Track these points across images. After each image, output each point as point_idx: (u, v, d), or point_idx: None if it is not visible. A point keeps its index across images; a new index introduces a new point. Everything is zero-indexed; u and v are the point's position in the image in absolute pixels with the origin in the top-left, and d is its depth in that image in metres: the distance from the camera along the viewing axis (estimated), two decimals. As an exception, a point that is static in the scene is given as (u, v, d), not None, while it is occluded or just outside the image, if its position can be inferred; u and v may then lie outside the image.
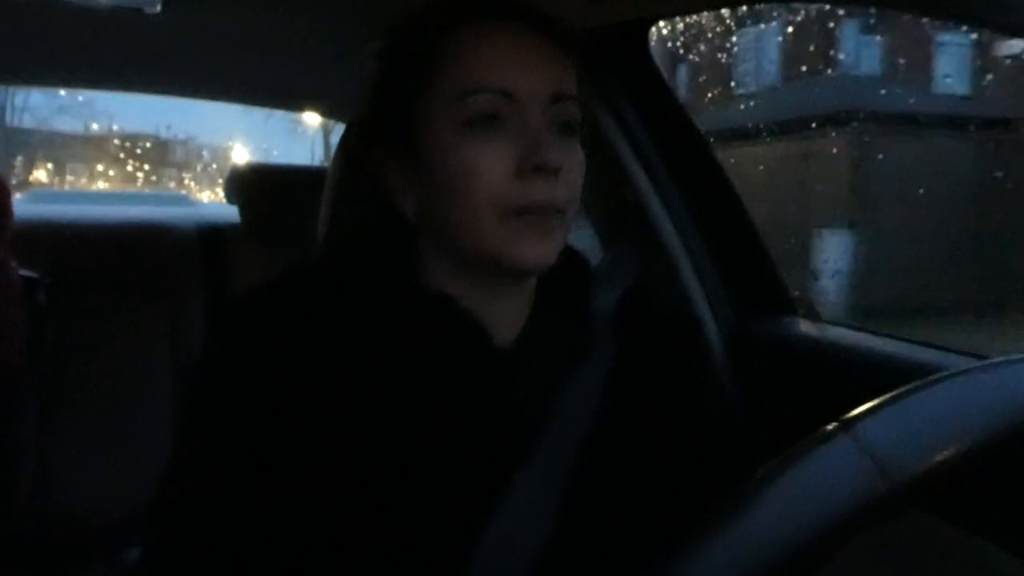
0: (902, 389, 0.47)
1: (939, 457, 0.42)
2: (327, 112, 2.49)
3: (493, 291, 0.75)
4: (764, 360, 1.32)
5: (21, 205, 1.81)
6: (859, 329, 1.24)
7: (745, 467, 0.49)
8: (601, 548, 0.72)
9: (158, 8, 1.30)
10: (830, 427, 0.46)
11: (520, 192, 0.70)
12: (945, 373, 0.48)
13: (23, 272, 1.62)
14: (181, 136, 36.16)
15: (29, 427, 1.58)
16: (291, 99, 2.34)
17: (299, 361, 0.71)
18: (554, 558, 0.69)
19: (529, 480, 0.72)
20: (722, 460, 0.82)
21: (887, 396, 0.47)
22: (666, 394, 0.83)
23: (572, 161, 0.73)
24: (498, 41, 0.72)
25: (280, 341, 0.71)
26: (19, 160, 25.57)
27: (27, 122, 25.45)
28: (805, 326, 1.34)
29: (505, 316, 0.77)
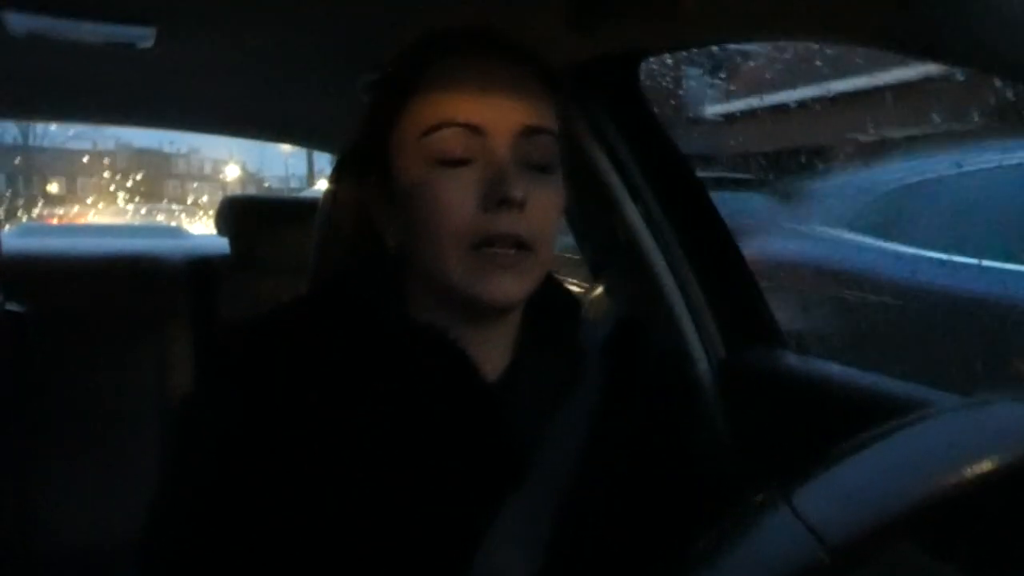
0: (837, 451, 0.46)
1: (879, 520, 0.41)
2: (318, 145, 2.51)
3: (477, 325, 0.75)
4: (752, 392, 1.32)
5: (9, 239, 1.81)
6: (846, 363, 1.25)
7: (732, 498, 0.48)
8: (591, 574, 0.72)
9: (151, 43, 1.31)
10: (766, 497, 0.45)
11: (483, 225, 0.70)
12: (882, 429, 0.47)
13: (9, 306, 1.61)
14: (183, 150, 36.97)
15: (15, 458, 1.56)
16: (283, 132, 2.36)
17: (286, 395, 0.70)
18: None
19: (518, 512, 0.71)
20: (710, 491, 0.81)
21: (822, 461, 0.46)
22: (657, 426, 0.83)
23: (542, 196, 0.72)
24: (467, 75, 0.72)
25: (267, 375, 0.71)
26: (36, 177, 29.40)
27: (46, 143, 28.79)
28: (793, 359, 1.34)
29: (491, 350, 0.77)
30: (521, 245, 0.71)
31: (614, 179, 1.44)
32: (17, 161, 27.06)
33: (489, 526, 0.70)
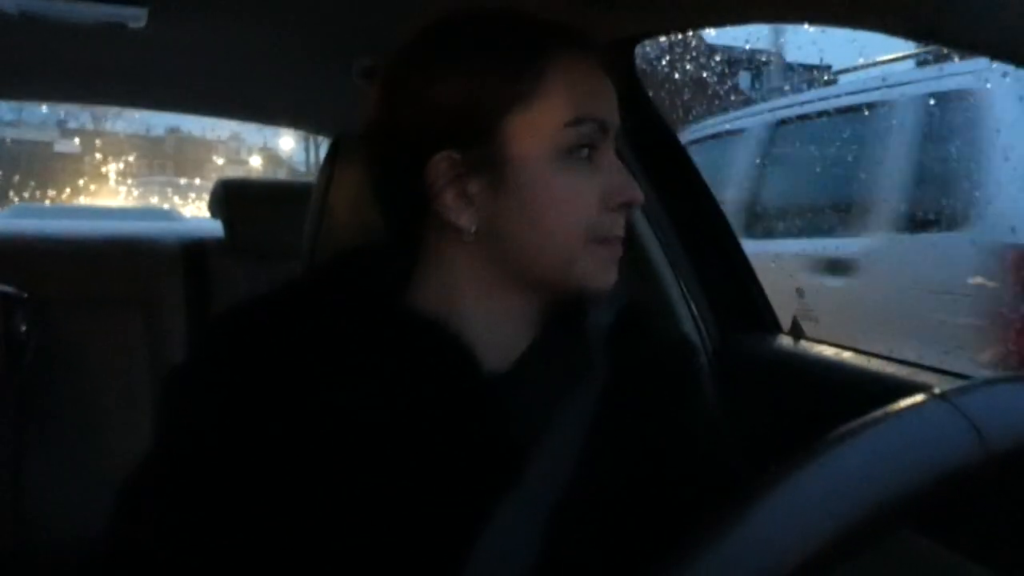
0: (1004, 374, 0.47)
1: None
2: (311, 128, 2.49)
3: (516, 311, 0.75)
4: (748, 377, 1.32)
5: (1, 220, 1.80)
6: (842, 347, 1.25)
7: (729, 484, 0.48)
8: (589, 572, 0.71)
9: (143, 23, 1.30)
10: (923, 395, 0.46)
11: (606, 224, 0.73)
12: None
13: (0, 288, 1.61)
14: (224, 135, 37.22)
15: (6, 442, 1.56)
16: (276, 114, 2.34)
17: (276, 382, 0.68)
18: None
19: (516, 507, 0.70)
20: (709, 478, 0.80)
21: (986, 377, 0.47)
22: (659, 414, 0.81)
23: None
24: (589, 72, 0.73)
25: (258, 362, 0.69)
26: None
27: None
28: (789, 344, 1.35)
29: (513, 338, 0.76)
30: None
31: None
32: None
33: (486, 522, 0.68)
